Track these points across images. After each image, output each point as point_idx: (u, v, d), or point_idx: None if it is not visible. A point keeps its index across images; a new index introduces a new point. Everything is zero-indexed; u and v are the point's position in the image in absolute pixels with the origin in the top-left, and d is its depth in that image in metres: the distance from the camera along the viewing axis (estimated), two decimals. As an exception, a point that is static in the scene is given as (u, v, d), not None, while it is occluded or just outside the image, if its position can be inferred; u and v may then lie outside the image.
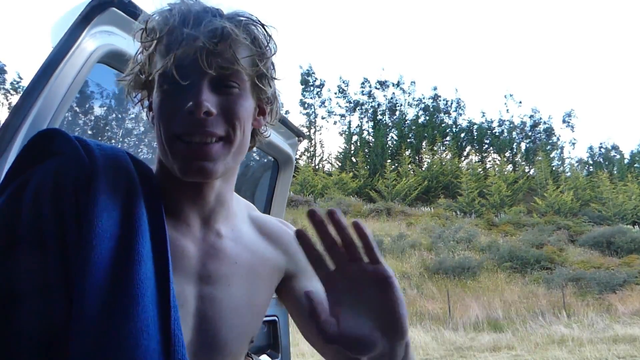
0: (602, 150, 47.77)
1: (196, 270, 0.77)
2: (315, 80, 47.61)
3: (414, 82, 55.46)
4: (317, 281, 0.87)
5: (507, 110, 63.48)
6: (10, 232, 0.65)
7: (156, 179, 0.79)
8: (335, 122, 47.46)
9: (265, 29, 0.75)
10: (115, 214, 0.68)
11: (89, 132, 1.73)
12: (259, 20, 0.74)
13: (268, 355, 2.02)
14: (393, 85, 48.47)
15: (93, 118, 1.70)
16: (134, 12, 1.10)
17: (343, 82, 49.35)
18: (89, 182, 0.68)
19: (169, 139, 0.71)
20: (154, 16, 0.72)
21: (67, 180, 0.68)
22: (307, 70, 47.77)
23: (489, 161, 44.14)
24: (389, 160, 38.80)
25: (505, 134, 46.50)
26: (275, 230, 0.92)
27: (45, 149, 0.73)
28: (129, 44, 1.18)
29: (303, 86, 47.17)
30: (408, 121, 46.45)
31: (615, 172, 41.34)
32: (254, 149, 0.92)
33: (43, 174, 0.68)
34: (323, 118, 47.72)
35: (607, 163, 45.29)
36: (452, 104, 48.32)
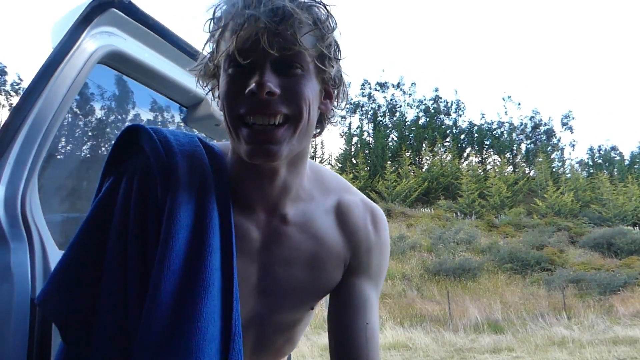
0: (602, 151, 47.77)
1: (259, 253, 0.82)
2: (315, 82, 47.48)
3: (414, 84, 55.59)
4: (370, 287, 0.89)
5: (506, 112, 63.52)
6: (108, 217, 0.76)
7: (225, 165, 0.83)
8: (336, 124, 47.33)
9: (327, 9, 0.73)
10: (190, 207, 0.74)
11: (90, 134, 1.73)
12: (320, 1, 0.73)
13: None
14: (393, 87, 48.49)
15: (94, 120, 1.70)
16: (134, 12, 1.10)
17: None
18: (168, 177, 0.75)
19: (233, 121, 0.72)
20: (220, 4, 0.73)
21: (149, 176, 0.76)
22: (308, 71, 47.66)
23: (489, 162, 44.13)
24: (389, 162, 38.73)
25: (506, 136, 46.49)
26: (354, 223, 0.89)
27: (133, 144, 0.81)
28: (129, 45, 1.18)
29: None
30: (408, 122, 46.45)
31: (615, 173, 41.33)
32: None
33: (132, 170, 0.78)
34: (323, 119, 47.57)
35: (607, 164, 45.26)
36: (452, 105, 48.35)
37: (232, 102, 0.71)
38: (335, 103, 0.82)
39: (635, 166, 42.87)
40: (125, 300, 0.71)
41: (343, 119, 46.98)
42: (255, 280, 0.82)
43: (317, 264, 0.84)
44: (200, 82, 0.81)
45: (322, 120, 0.83)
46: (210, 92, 0.81)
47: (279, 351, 0.98)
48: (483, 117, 61.74)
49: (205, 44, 0.77)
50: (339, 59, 0.77)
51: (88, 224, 0.77)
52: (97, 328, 0.71)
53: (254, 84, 0.68)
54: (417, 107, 47.78)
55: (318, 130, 0.84)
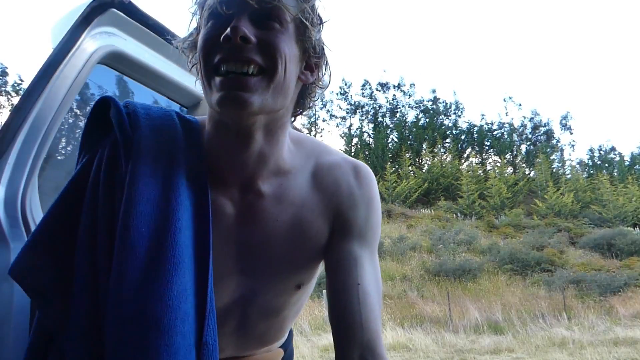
0: (602, 152, 47.75)
1: (235, 231, 0.79)
2: (315, 82, 47.43)
3: (414, 85, 55.53)
4: (360, 245, 0.84)
5: (507, 113, 63.49)
6: (81, 194, 0.74)
7: (202, 140, 0.80)
8: (337, 125, 47.36)
9: None
10: (154, 181, 0.72)
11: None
12: None
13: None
14: (394, 87, 48.50)
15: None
16: (134, 13, 1.10)
17: (345, 83, 49.29)
18: (130, 151, 0.73)
19: (207, 72, 0.72)
20: None
21: (117, 152, 0.75)
22: (308, 72, 47.59)
23: (490, 163, 44.15)
24: (389, 162, 38.73)
25: (506, 136, 46.49)
26: (335, 182, 0.85)
27: (106, 118, 0.79)
28: (130, 45, 1.18)
29: (304, 88, 47.02)
30: (408, 123, 46.45)
31: (615, 174, 41.31)
32: None
33: (104, 146, 0.77)
34: (324, 120, 47.66)
35: (607, 165, 45.24)
36: (451, 106, 48.37)
37: (207, 52, 0.71)
38: (316, 75, 0.81)
39: (636, 167, 42.86)
40: (97, 277, 0.70)
41: (344, 120, 47.08)
42: (234, 260, 0.79)
43: (298, 234, 0.81)
44: (185, 55, 0.82)
45: (303, 97, 0.82)
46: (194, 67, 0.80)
47: (265, 338, 0.93)
48: (483, 118, 61.77)
49: (191, 19, 0.78)
50: (320, 28, 0.78)
51: (63, 196, 0.75)
52: (72, 303, 0.70)
53: (228, 29, 0.68)
54: (417, 107, 47.80)
55: (300, 110, 0.83)
